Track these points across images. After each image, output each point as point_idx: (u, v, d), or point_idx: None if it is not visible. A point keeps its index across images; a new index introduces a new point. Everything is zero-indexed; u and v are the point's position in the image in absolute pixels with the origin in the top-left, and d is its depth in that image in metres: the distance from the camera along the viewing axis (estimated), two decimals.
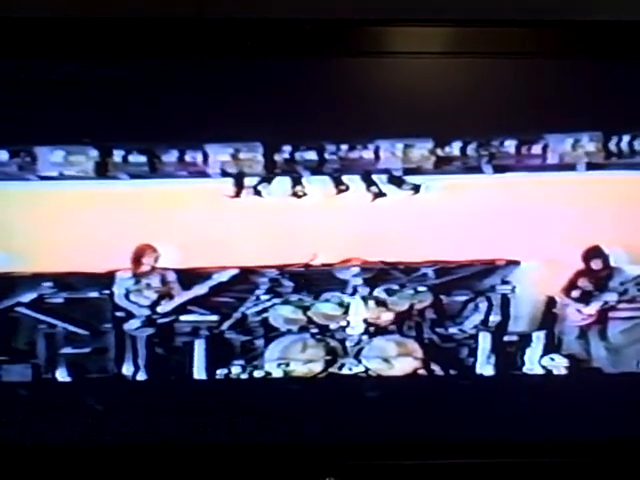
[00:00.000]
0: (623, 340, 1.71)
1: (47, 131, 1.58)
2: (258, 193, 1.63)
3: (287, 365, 1.71)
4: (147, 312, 1.68)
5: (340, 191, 1.63)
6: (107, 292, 1.66)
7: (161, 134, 1.59)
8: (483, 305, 1.69)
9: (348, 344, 1.70)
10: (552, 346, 1.70)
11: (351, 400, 1.72)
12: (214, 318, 1.69)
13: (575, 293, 1.68)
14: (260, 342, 1.70)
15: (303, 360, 1.71)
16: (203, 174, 1.61)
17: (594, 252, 1.66)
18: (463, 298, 1.69)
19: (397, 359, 1.71)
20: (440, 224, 1.64)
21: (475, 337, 1.70)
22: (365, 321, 1.69)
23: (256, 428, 1.71)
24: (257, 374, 1.71)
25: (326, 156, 1.60)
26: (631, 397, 1.72)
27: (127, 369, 1.70)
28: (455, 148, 1.60)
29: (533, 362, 1.71)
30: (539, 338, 1.70)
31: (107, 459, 1.71)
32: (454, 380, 1.72)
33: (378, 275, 1.67)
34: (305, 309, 1.69)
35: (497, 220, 1.63)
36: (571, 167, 1.62)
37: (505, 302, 1.68)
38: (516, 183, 1.62)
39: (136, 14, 1.56)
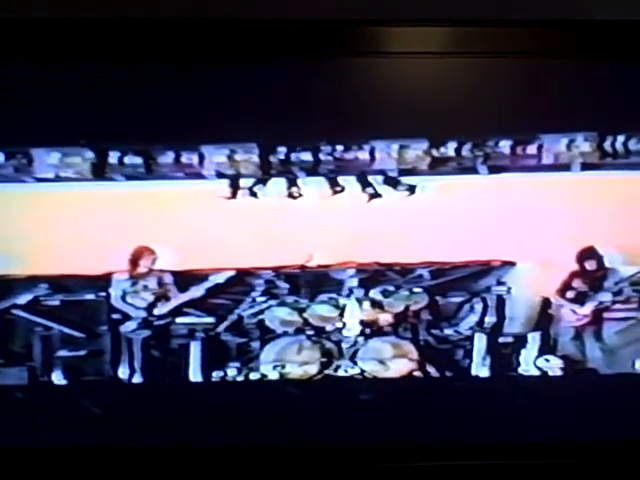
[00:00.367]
0: (618, 341, 1.71)
1: (43, 133, 1.58)
2: (254, 194, 1.63)
3: (283, 367, 1.71)
4: (143, 314, 1.68)
5: (336, 192, 1.63)
6: (103, 294, 1.66)
7: (157, 135, 1.59)
8: (478, 306, 1.69)
9: (344, 346, 1.71)
10: (547, 347, 1.71)
11: (347, 402, 1.72)
12: (210, 320, 1.69)
13: (570, 294, 1.68)
14: (256, 344, 1.70)
15: (299, 362, 1.71)
16: (199, 175, 1.61)
17: (588, 253, 1.66)
18: (458, 299, 1.69)
19: (393, 361, 1.71)
20: (436, 225, 1.64)
21: (470, 338, 1.70)
22: (361, 323, 1.69)
23: (252, 430, 1.71)
24: (253, 376, 1.71)
25: (321, 157, 1.61)
26: (626, 398, 1.72)
27: (123, 372, 1.70)
28: (450, 149, 1.60)
29: (528, 363, 1.71)
30: (534, 339, 1.70)
31: (103, 461, 1.71)
32: (450, 381, 1.72)
33: (374, 276, 1.67)
34: (301, 311, 1.69)
35: (492, 221, 1.63)
36: (566, 167, 1.62)
37: (500, 303, 1.69)
38: (511, 183, 1.62)
39: (131, 15, 1.56)
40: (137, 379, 1.70)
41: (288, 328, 1.70)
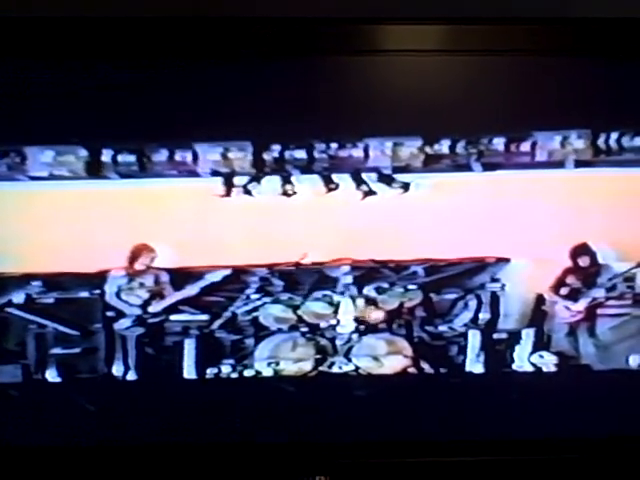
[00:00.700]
0: (612, 337, 1.71)
1: (36, 131, 1.58)
2: (248, 192, 1.63)
3: (277, 364, 1.71)
4: (138, 311, 1.68)
5: (330, 190, 1.63)
6: (97, 292, 1.66)
7: (151, 133, 1.59)
8: (473, 303, 1.69)
9: (338, 343, 1.71)
10: (541, 343, 1.71)
11: (341, 399, 1.72)
12: (204, 317, 1.69)
13: (564, 290, 1.69)
14: (250, 341, 1.70)
15: (293, 359, 1.71)
16: (193, 173, 1.61)
17: (582, 249, 1.66)
18: (453, 296, 1.69)
19: (387, 357, 1.71)
20: (430, 222, 1.64)
21: (465, 335, 1.70)
22: (355, 319, 1.69)
23: (246, 427, 1.71)
24: (247, 373, 1.71)
25: (316, 155, 1.61)
26: (620, 394, 1.73)
27: (117, 369, 1.70)
28: (444, 146, 1.60)
29: (522, 359, 1.71)
30: (528, 335, 1.70)
31: (98, 459, 1.71)
32: (444, 378, 1.72)
33: (368, 273, 1.67)
34: (295, 308, 1.69)
35: (486, 218, 1.64)
36: (560, 164, 1.62)
37: (495, 300, 1.69)
38: (505, 180, 1.62)
39: (125, 14, 1.56)
40: (131, 376, 1.70)
41: (282, 325, 1.70)
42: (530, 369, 1.72)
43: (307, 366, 1.71)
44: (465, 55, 1.58)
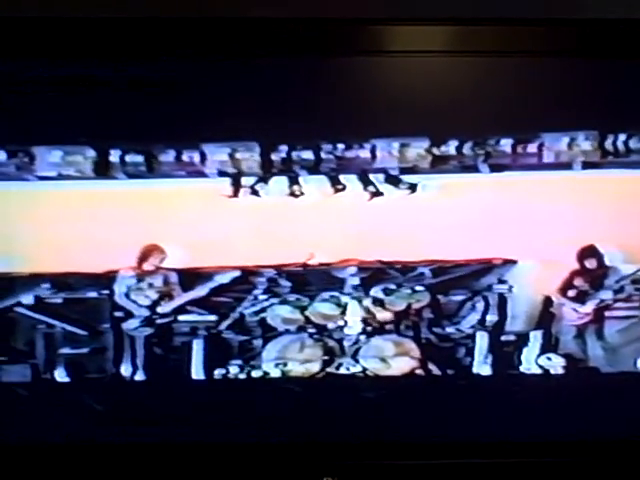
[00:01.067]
0: (620, 339, 1.71)
1: (45, 131, 1.59)
2: (255, 193, 1.63)
3: (285, 365, 1.71)
4: (146, 312, 1.69)
5: (337, 190, 1.63)
6: (106, 292, 1.67)
7: (159, 134, 1.60)
8: (480, 304, 1.69)
9: (346, 344, 1.71)
10: (549, 346, 1.71)
11: (348, 400, 1.72)
12: (212, 318, 1.69)
13: (571, 292, 1.68)
14: (258, 342, 1.70)
15: (301, 360, 1.71)
16: (200, 174, 1.62)
17: (589, 251, 1.66)
18: (460, 297, 1.69)
19: (394, 359, 1.71)
20: (437, 223, 1.64)
21: (472, 337, 1.70)
22: (362, 321, 1.69)
23: (254, 428, 1.71)
24: (255, 374, 1.71)
25: (323, 155, 1.61)
26: (628, 396, 1.72)
27: (125, 369, 1.70)
28: (451, 147, 1.60)
29: (530, 362, 1.71)
30: (536, 337, 1.70)
31: (106, 459, 1.71)
32: (451, 380, 1.72)
33: (375, 274, 1.67)
34: (303, 309, 1.69)
35: (494, 219, 1.63)
36: (567, 166, 1.62)
37: (502, 301, 1.69)
38: (512, 182, 1.62)
39: (133, 14, 1.57)
40: (140, 377, 1.71)
41: (290, 326, 1.70)
42: (538, 371, 1.71)
43: (315, 367, 1.71)
44: (472, 56, 1.58)
